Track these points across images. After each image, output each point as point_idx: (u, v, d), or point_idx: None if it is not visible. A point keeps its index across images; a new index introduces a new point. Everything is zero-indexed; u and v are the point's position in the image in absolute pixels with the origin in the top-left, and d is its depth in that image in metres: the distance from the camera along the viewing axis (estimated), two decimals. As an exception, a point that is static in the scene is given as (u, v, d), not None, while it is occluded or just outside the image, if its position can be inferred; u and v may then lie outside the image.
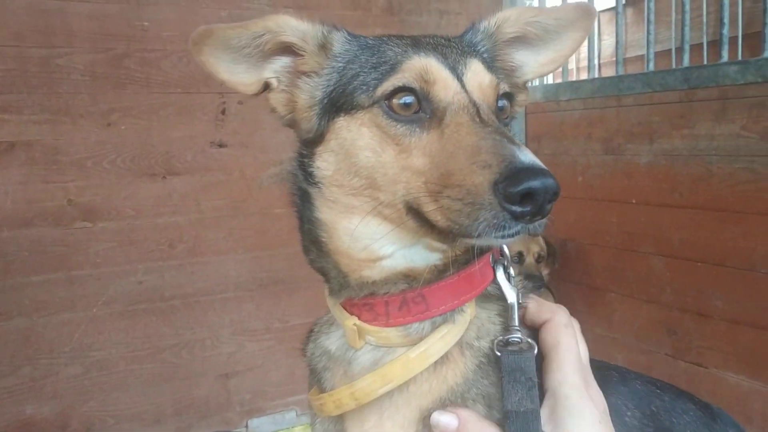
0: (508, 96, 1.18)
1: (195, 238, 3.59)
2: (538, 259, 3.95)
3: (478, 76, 1.11)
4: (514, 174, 0.89)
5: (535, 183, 0.88)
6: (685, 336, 3.36)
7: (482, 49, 1.24)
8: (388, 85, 1.06)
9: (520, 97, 1.29)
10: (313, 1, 3.78)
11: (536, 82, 4.24)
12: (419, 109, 1.06)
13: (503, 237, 0.92)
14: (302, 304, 3.82)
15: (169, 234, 3.53)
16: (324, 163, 1.12)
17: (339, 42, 1.17)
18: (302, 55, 1.18)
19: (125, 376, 3.48)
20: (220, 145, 3.59)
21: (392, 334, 1.11)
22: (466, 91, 1.07)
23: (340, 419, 1.20)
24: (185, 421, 3.65)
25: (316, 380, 1.25)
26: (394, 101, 1.06)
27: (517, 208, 0.89)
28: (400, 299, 1.10)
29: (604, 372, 1.30)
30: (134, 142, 3.40)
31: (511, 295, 1.13)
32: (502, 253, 1.19)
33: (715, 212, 3.14)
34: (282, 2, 3.64)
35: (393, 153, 1.04)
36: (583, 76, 4.32)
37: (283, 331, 3.84)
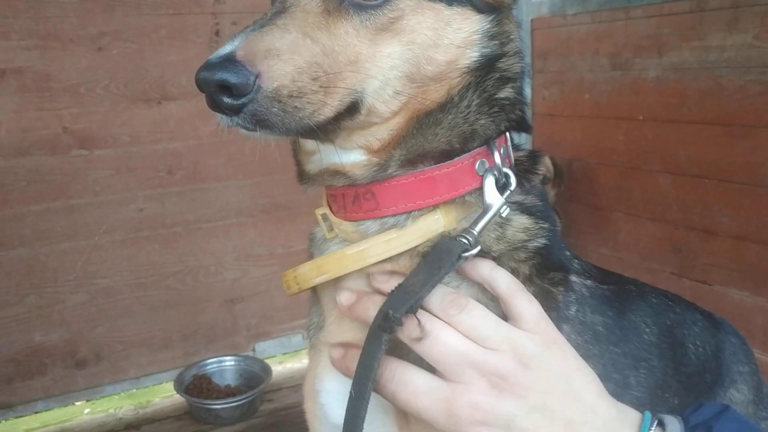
0: None
1: (194, 165, 3.55)
2: (544, 181, 3.88)
3: None
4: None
5: (198, 75, 0.86)
6: (690, 254, 3.33)
7: None
8: None
9: None
10: None
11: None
12: None
13: (227, 126, 0.92)
14: (305, 229, 3.74)
15: (167, 161, 3.49)
16: None
17: None
18: None
19: (131, 302, 3.52)
20: (216, 69, 3.50)
21: (350, 228, 1.07)
22: None
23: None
24: (192, 346, 3.70)
25: None
26: None
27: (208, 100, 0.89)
28: (353, 193, 1.05)
29: (623, 286, 1.28)
30: (127, 67, 3.32)
31: (490, 199, 1.02)
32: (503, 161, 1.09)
33: (723, 127, 3.06)
34: None
35: None
36: (591, -12, 4.16)
37: (287, 256, 3.85)
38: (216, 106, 0.88)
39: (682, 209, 3.34)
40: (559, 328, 1.05)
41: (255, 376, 3.51)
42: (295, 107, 0.90)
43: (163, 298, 3.59)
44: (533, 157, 1.18)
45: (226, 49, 0.88)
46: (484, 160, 1.05)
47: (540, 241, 1.11)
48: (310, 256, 1.20)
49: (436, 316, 0.96)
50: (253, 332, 3.87)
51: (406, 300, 0.92)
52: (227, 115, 0.89)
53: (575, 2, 3.83)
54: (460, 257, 0.96)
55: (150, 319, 3.57)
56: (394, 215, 1.04)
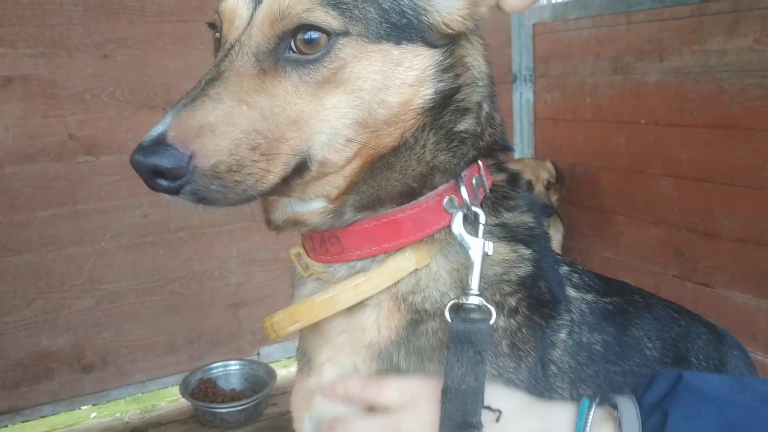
0: (313, 28, 0.93)
1: (199, 170, 3.57)
2: (548, 186, 3.89)
3: (268, 5, 0.94)
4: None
5: (132, 158, 0.85)
6: (692, 256, 3.34)
7: None
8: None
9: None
10: None
11: (545, 1, 4.10)
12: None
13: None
14: (309, 233, 3.82)
15: (172, 166, 3.50)
16: None
17: None
18: None
19: (136, 307, 3.54)
20: (220, 75, 3.52)
21: (320, 269, 1.09)
22: (250, 25, 0.96)
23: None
24: (197, 350, 3.72)
25: None
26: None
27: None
28: (319, 237, 1.06)
29: (629, 297, 1.26)
30: (132, 74, 3.35)
31: (474, 247, 1.00)
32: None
33: (724, 130, 3.07)
34: None
35: None
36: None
37: (291, 260, 3.86)
38: (154, 188, 0.87)
39: (684, 212, 3.35)
40: (548, 354, 1.07)
41: (260, 380, 3.53)
42: (236, 181, 0.88)
43: (168, 303, 3.61)
44: (513, 179, 1.17)
45: (158, 129, 0.86)
46: (453, 196, 1.03)
47: (522, 270, 1.08)
48: (292, 290, 1.22)
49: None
50: (258, 336, 3.89)
51: (472, 401, 0.93)
52: (170, 193, 0.88)
53: (577, 7, 3.85)
54: (489, 327, 0.97)
55: (155, 324, 3.59)
56: (360, 259, 1.04)
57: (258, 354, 3.89)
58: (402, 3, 0.96)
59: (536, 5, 4.20)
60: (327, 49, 0.92)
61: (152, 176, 0.85)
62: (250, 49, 0.94)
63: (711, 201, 3.19)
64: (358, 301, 1.04)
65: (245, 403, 3.31)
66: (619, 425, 0.92)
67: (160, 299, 3.58)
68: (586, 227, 4.03)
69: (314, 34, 0.93)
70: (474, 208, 1.03)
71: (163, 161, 0.84)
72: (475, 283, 0.99)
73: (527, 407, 0.98)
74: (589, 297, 1.18)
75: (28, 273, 3.27)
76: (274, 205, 1.09)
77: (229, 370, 3.63)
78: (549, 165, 3.89)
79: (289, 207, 1.05)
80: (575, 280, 1.20)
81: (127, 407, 3.60)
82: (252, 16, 0.95)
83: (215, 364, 3.62)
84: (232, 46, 0.94)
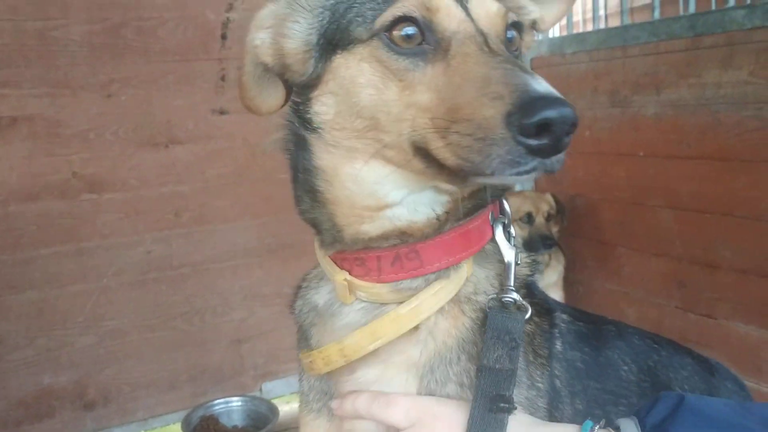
0: (517, 26, 1.10)
1: (201, 207, 3.61)
2: (548, 218, 3.90)
3: (484, 3, 1.03)
4: (528, 104, 0.82)
5: (551, 112, 0.81)
6: (695, 288, 3.33)
7: None
8: (387, 15, 0.99)
9: (527, 38, 1.21)
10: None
11: (540, 36, 4.16)
12: (422, 40, 0.98)
13: (518, 174, 0.87)
14: (311, 267, 3.83)
15: (174, 203, 3.54)
16: (323, 107, 1.07)
17: None
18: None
19: (139, 344, 3.54)
20: (222, 112, 3.57)
21: (384, 290, 1.09)
22: (471, 19, 1.00)
23: (328, 376, 1.19)
24: (200, 387, 3.71)
25: (303, 337, 1.25)
26: (395, 33, 0.98)
27: (533, 142, 0.83)
28: (393, 255, 1.07)
29: (601, 326, 1.31)
30: (135, 112, 3.40)
31: (508, 254, 1.11)
32: (502, 211, 1.16)
33: (722, 162, 3.09)
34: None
35: (396, 89, 0.98)
36: (590, 27, 4.23)
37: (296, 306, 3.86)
38: (560, 147, 0.85)
39: (684, 244, 3.35)
40: (554, 368, 1.09)
41: (262, 417, 3.50)
42: None
43: (170, 339, 3.61)
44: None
45: (549, 86, 0.87)
46: (492, 210, 1.14)
47: (527, 271, 1.20)
48: (310, 326, 1.21)
49: None
50: (260, 372, 3.88)
51: (506, 379, 0.98)
52: (555, 155, 0.86)
53: (573, 41, 3.90)
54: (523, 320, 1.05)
55: (158, 360, 3.59)
56: (436, 271, 1.08)
57: (260, 390, 3.88)
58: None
59: (534, 41, 4.26)
60: (519, 50, 1.10)
61: (570, 129, 0.85)
62: (498, 37, 1.02)
63: (711, 232, 3.19)
64: (439, 308, 1.08)
65: (247, 440, 3.29)
66: None
67: (162, 336, 3.58)
68: (588, 259, 4.03)
69: (515, 32, 1.09)
70: (507, 221, 1.15)
71: (575, 117, 0.84)
72: (511, 281, 1.09)
73: (532, 427, 1.01)
74: (564, 317, 1.25)
75: (31, 311, 3.28)
76: (370, 216, 1.08)
77: (231, 407, 3.62)
78: (549, 197, 3.90)
79: (395, 218, 1.07)
80: (550, 300, 1.27)
81: (129, 445, 3.58)
82: (467, 11, 1.01)
83: (217, 401, 3.60)
84: (484, 35, 0.99)
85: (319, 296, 1.19)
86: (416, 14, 0.98)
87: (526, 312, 1.06)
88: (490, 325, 1.03)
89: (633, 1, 3.91)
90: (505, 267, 1.12)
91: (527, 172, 0.87)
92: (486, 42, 0.97)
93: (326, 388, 1.22)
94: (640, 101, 3.49)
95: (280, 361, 3.91)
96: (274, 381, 3.90)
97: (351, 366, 1.12)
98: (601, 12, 3.84)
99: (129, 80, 3.37)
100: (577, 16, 4.41)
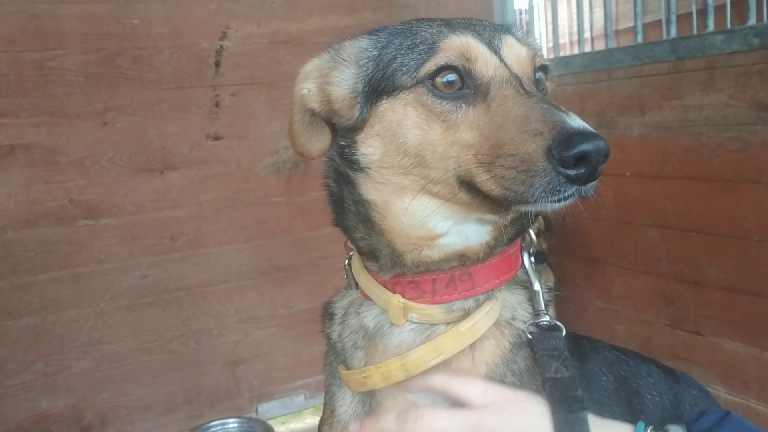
0: (544, 68, 1.23)
1: (196, 231, 3.65)
2: (538, 234, 3.96)
3: (514, 49, 1.16)
4: (566, 139, 0.93)
5: (587, 146, 0.92)
6: (683, 305, 3.39)
7: (513, 29, 1.28)
8: (430, 65, 1.10)
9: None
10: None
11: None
12: (462, 85, 1.10)
13: (558, 201, 0.98)
14: (305, 289, 3.89)
15: (170, 228, 3.59)
16: (370, 148, 1.17)
17: (354, 46, 1.23)
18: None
19: (135, 367, 3.57)
20: (216, 138, 3.63)
21: (436, 311, 1.17)
22: (505, 65, 1.12)
23: (370, 396, 1.25)
24: (196, 409, 3.74)
25: (340, 360, 1.29)
26: (438, 80, 1.10)
27: (572, 172, 0.94)
28: (448, 277, 1.15)
29: (577, 341, 1.40)
30: (131, 139, 3.45)
31: (536, 282, 1.22)
32: (525, 239, 1.27)
33: (706, 182, 3.16)
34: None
35: (441, 129, 1.09)
36: (576, 50, 4.31)
37: (288, 317, 3.91)
38: (594, 175, 0.96)
39: (671, 262, 3.41)
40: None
41: (258, 438, 3.54)
42: None
43: (166, 362, 3.64)
44: None
45: (583, 122, 0.97)
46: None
47: (547, 296, 1.29)
48: (353, 349, 1.26)
49: None
50: (256, 393, 3.91)
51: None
52: (590, 182, 0.97)
53: (560, 64, 3.98)
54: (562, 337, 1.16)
55: (154, 384, 3.62)
56: (485, 292, 1.18)
57: (256, 411, 3.90)
58: None
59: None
60: (546, 89, 1.21)
61: (604, 159, 0.95)
62: (529, 79, 1.14)
63: (697, 251, 3.26)
64: (489, 326, 1.17)
65: (243, 462, 3.32)
66: None
67: (158, 359, 3.62)
68: (578, 277, 4.09)
69: (541, 74, 1.22)
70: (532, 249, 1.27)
71: (608, 149, 0.95)
72: (542, 305, 1.21)
73: (593, 421, 1.08)
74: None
75: (28, 336, 3.31)
76: (430, 243, 1.17)
77: (227, 428, 3.64)
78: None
79: (451, 245, 1.16)
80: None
81: (125, 468, 3.60)
82: (500, 58, 1.13)
83: (213, 423, 3.63)
84: (518, 78, 1.11)
85: (368, 320, 1.24)
86: (456, 63, 1.10)
87: (562, 331, 1.16)
88: (538, 346, 1.14)
89: (620, 23, 3.99)
90: (532, 293, 1.23)
91: (566, 198, 0.98)
92: (521, 84, 1.09)
93: (367, 409, 1.27)
94: (626, 123, 3.57)
95: (276, 383, 3.95)
96: (270, 402, 3.93)
97: (403, 384, 1.18)
98: (587, 35, 3.92)
99: (124, 108, 3.42)
100: (564, 38, 4.50)
